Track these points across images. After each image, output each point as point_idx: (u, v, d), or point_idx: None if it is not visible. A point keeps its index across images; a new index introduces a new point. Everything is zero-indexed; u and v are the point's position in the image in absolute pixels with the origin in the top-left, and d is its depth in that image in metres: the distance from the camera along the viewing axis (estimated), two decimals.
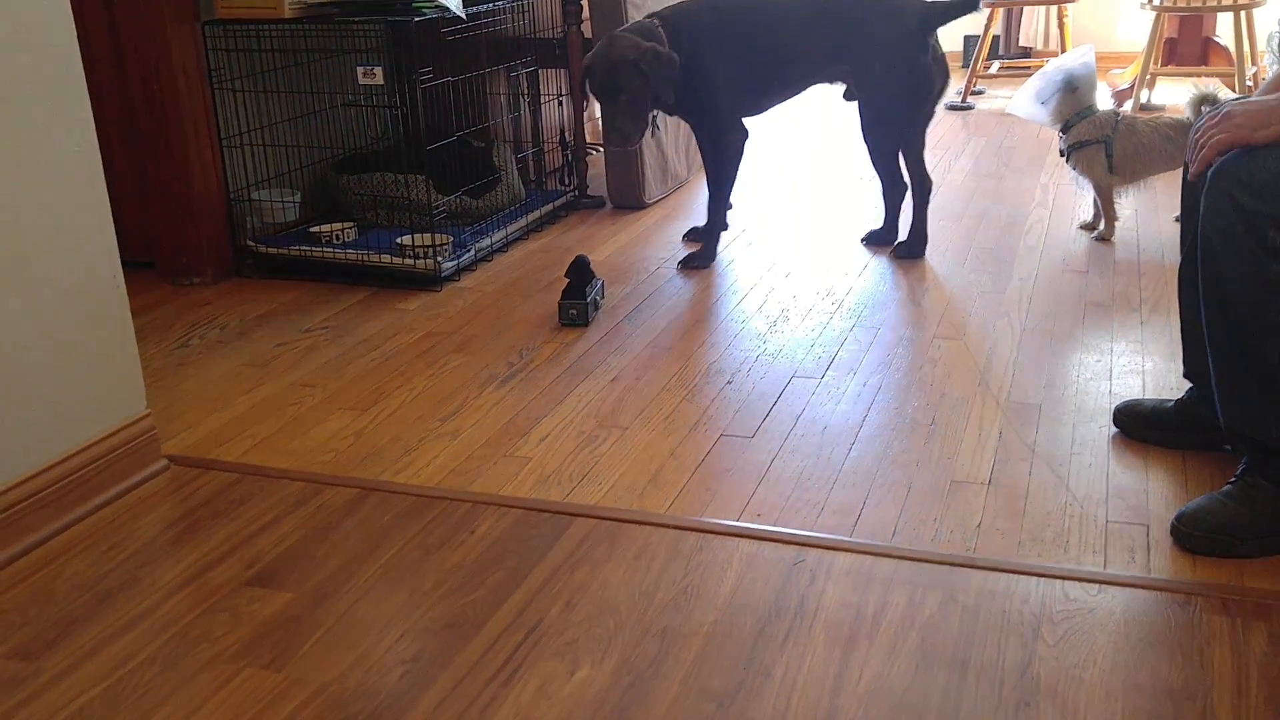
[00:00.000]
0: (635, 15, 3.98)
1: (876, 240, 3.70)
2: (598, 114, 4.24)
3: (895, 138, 3.50)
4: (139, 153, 3.43)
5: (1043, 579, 1.87)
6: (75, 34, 2.12)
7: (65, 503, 2.15)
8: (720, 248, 3.66)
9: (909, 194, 3.58)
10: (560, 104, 4.42)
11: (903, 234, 3.60)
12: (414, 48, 3.35)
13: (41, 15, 2.05)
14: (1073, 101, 3.59)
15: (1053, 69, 3.63)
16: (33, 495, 2.08)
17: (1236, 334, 1.91)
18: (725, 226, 3.62)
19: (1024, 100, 3.69)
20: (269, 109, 3.57)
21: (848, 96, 3.55)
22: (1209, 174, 1.90)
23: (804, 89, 3.58)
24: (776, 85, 3.51)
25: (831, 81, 3.57)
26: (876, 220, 3.75)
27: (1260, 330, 1.87)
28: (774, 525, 2.06)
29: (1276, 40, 4.72)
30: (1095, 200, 3.66)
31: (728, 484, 2.22)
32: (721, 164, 3.50)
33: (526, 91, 4.25)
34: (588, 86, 3.32)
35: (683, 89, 3.32)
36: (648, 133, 3.37)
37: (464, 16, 3.47)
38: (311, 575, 1.96)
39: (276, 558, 2.02)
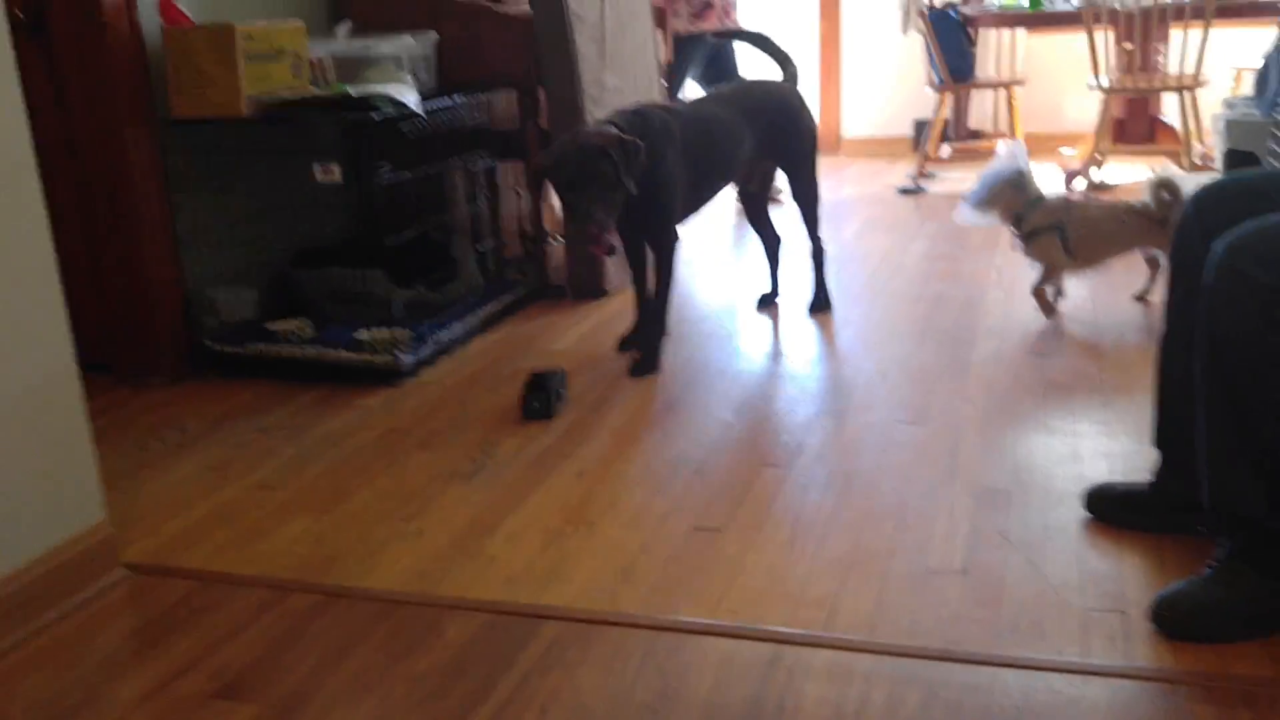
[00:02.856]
0: (592, 108, 4.01)
1: (769, 302, 4.04)
2: (556, 204, 4.25)
3: (817, 198, 3.92)
4: (94, 254, 3.40)
5: (1024, 670, 1.84)
6: (29, 136, 2.10)
7: (17, 618, 2.08)
8: (682, 335, 3.67)
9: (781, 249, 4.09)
10: (519, 195, 4.42)
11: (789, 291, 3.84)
12: (372, 144, 3.35)
13: None
14: (1017, 195, 3.64)
15: (988, 173, 3.70)
16: None
17: (1236, 409, 1.89)
18: (667, 332, 3.54)
19: (969, 209, 3.74)
20: (226, 207, 3.55)
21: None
22: (1220, 248, 1.90)
23: (722, 189, 3.71)
24: (712, 190, 3.61)
25: (748, 178, 3.87)
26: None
27: (1263, 407, 1.86)
28: (749, 622, 2.02)
29: (1223, 121, 4.83)
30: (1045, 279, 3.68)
31: (700, 579, 2.19)
32: (668, 272, 3.44)
33: (485, 184, 4.25)
34: (554, 179, 3.21)
35: (635, 200, 3.25)
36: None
37: (421, 112, 3.48)
38: (278, 685, 1.90)
39: (242, 668, 1.96)
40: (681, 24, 5.22)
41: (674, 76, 5.18)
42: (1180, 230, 2.15)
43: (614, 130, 3.20)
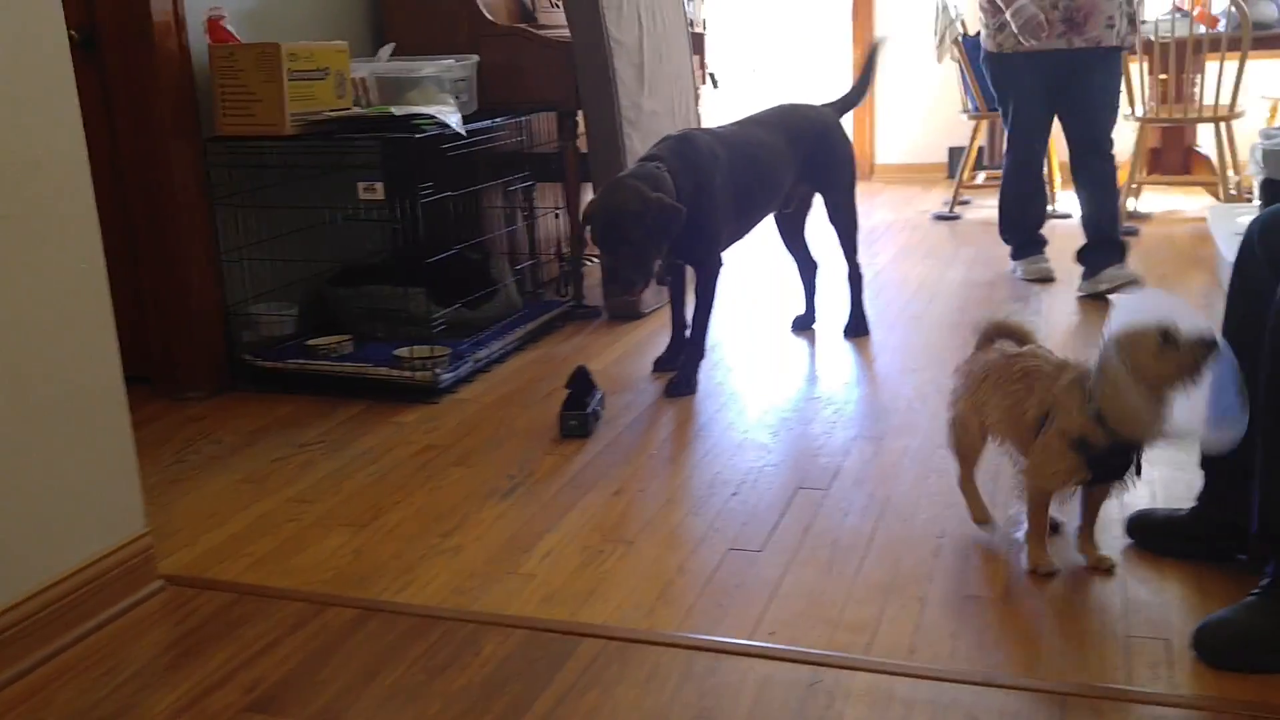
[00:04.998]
0: (631, 132, 4.03)
1: (804, 325, 4.03)
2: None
3: (855, 223, 3.92)
4: (137, 267, 3.43)
5: (1067, 697, 1.82)
6: (85, 152, 2.13)
7: (57, 627, 2.09)
8: (718, 357, 3.67)
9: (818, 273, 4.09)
10: (556, 216, 4.45)
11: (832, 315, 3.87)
12: (414, 163, 3.37)
13: (52, 134, 2.06)
14: None
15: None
16: (24, 620, 2.03)
17: None
18: (704, 354, 3.54)
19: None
20: (268, 223, 3.58)
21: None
22: None
23: (767, 214, 3.74)
24: (757, 215, 3.65)
25: (788, 204, 3.84)
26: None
27: None
28: (788, 644, 2.01)
29: (1260, 150, 4.80)
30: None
31: (738, 600, 2.18)
32: (710, 296, 3.46)
33: (523, 205, 4.28)
34: (592, 229, 3.24)
35: (684, 230, 3.26)
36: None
37: (464, 133, 3.50)
38: (314, 699, 1.90)
39: (277, 681, 1.96)
40: (1008, 41, 4.39)
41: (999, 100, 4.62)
42: (1240, 259, 2.12)
43: (659, 182, 3.19)
